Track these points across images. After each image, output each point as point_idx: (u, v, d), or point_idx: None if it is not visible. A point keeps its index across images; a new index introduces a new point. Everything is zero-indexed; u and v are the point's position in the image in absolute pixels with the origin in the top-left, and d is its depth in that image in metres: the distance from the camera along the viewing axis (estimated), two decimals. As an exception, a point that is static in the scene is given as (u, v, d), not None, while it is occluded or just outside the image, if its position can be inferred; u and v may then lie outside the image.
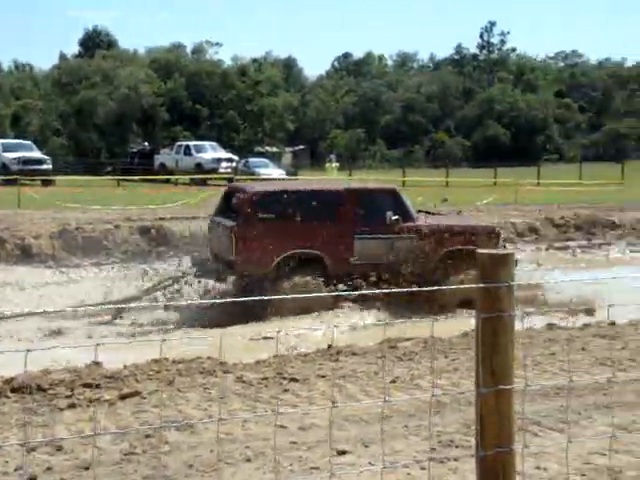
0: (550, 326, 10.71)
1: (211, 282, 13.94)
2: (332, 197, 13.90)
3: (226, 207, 14.44)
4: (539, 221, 25.86)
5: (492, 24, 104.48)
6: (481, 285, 3.10)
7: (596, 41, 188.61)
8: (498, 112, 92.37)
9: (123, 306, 12.75)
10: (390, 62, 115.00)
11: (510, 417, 3.14)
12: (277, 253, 13.06)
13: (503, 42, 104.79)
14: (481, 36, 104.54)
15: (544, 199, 32.24)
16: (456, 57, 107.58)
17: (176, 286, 14.06)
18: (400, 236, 13.61)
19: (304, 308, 12.55)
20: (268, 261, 12.97)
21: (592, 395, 7.07)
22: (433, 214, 15.61)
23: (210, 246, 14.59)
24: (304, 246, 13.22)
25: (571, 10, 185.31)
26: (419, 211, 15.21)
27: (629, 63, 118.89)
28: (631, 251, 23.27)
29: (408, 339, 9.71)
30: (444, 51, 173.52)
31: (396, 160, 79.76)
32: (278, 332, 10.91)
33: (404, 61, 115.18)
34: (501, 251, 3.16)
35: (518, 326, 9.47)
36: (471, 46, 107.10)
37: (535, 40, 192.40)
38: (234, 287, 13.62)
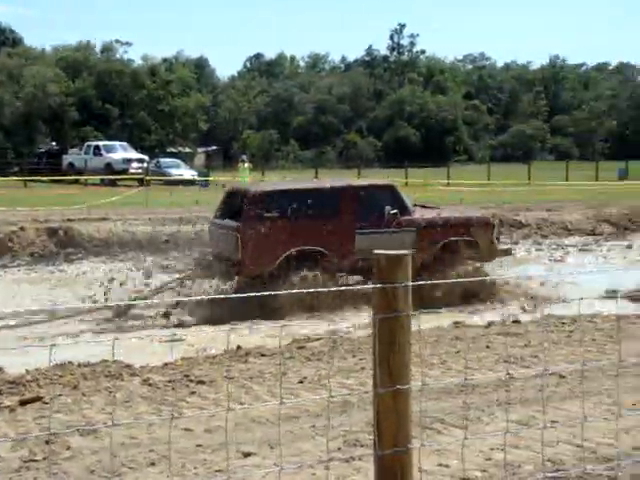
0: (457, 324, 10.88)
1: (215, 282, 14.08)
2: (332, 194, 14.12)
3: (227, 209, 14.63)
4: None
5: (402, 26, 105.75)
6: (378, 286, 3.13)
7: (503, 44, 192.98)
8: (409, 113, 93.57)
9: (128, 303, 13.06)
10: (302, 63, 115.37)
11: (407, 416, 3.17)
12: (281, 251, 13.23)
13: (413, 44, 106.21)
14: (391, 38, 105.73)
15: (454, 199, 32.76)
16: (367, 59, 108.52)
17: (181, 287, 14.22)
18: (399, 229, 13.95)
19: (308, 305, 12.60)
20: (272, 259, 13.12)
21: (494, 392, 7.21)
22: (429, 207, 15.93)
23: (213, 248, 14.76)
24: (307, 243, 13.40)
25: (479, 13, 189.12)
26: (415, 205, 15.45)
27: (535, 66, 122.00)
28: (536, 250, 23.85)
29: (317, 339, 9.75)
30: (355, 52, 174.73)
31: (309, 161, 79.98)
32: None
33: (315, 62, 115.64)
34: (398, 252, 3.18)
35: (426, 325, 9.60)
36: (382, 48, 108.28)
37: (444, 42, 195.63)
38: (239, 286, 13.70)
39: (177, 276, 14.99)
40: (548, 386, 7.40)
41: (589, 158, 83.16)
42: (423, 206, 15.93)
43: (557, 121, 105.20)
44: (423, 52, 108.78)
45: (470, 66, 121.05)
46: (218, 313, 12.41)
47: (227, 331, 10.46)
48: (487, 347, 9.12)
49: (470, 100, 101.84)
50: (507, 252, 15.59)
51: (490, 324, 10.81)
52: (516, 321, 10.86)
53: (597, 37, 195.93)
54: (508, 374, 7.66)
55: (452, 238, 14.19)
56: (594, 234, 26.00)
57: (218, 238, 14.41)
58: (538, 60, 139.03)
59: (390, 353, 3.11)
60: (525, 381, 7.56)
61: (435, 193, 34.65)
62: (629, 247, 23.85)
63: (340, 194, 14.09)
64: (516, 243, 24.71)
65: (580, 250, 23.65)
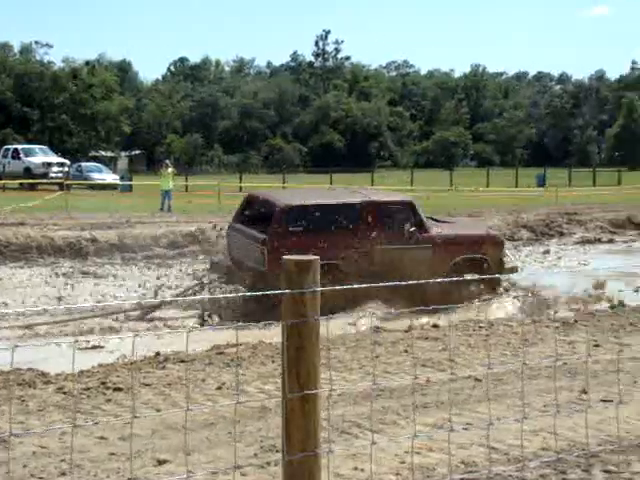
0: (377, 329, 10.95)
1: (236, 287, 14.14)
2: (354, 209, 14.46)
3: (248, 215, 15.08)
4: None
5: (327, 32, 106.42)
6: (286, 291, 3.13)
7: (426, 52, 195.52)
8: (334, 119, 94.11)
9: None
10: (227, 68, 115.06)
11: (316, 421, 3.18)
12: None
13: (337, 50, 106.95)
14: (316, 44, 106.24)
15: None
16: (292, 64, 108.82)
17: (204, 292, 14.63)
18: (416, 246, 14.33)
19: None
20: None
21: (411, 396, 7.27)
22: (440, 221, 16.27)
23: (231, 252, 15.10)
24: (329, 257, 13.28)
25: (402, 21, 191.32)
26: (428, 218, 15.71)
27: (457, 74, 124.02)
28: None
29: (237, 345, 9.70)
30: (281, 58, 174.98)
31: (234, 165, 79.76)
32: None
33: (241, 67, 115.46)
34: (306, 257, 3.19)
35: (349, 329, 9.64)
36: (307, 54, 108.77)
37: (368, 49, 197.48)
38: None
39: (196, 281, 15.36)
40: (464, 389, 7.51)
41: (510, 165, 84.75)
42: (434, 219, 16.23)
43: (479, 128, 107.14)
44: (348, 58, 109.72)
45: (394, 73, 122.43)
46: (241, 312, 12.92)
47: (151, 334, 10.34)
48: (405, 351, 9.20)
49: (394, 107, 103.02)
50: (514, 270, 15.81)
51: (410, 328, 10.90)
52: (435, 325, 10.98)
53: (516, 47, 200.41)
54: (430, 378, 7.76)
55: (465, 256, 14.62)
56: (513, 239, 26.46)
57: (240, 246, 14.65)
58: (460, 68, 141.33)
59: (299, 358, 3.11)
60: (441, 385, 7.65)
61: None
62: (546, 252, 24.36)
63: (363, 209, 14.44)
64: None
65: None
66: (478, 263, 14.69)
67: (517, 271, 16.13)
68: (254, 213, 15.05)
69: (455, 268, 14.29)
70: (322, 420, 6.56)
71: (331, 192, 18.28)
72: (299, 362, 3.13)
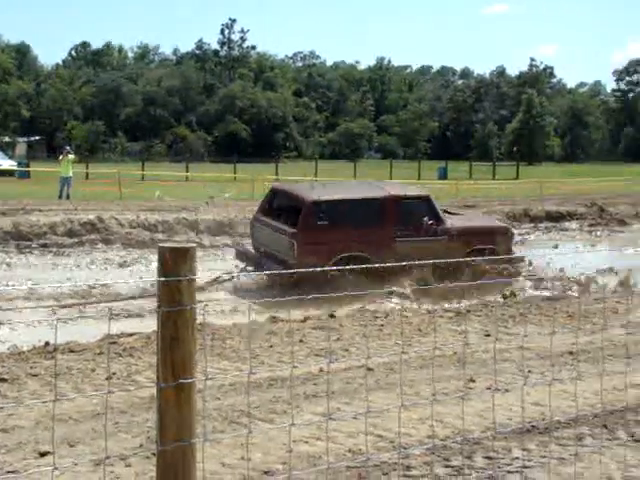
0: (273, 319, 10.93)
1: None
2: (377, 204, 15.18)
3: (275, 207, 15.82)
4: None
5: (232, 21, 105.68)
6: (161, 279, 3.08)
7: (332, 43, 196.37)
8: (239, 108, 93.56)
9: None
10: (130, 54, 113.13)
11: (191, 411, 3.13)
12: (331, 256, 14.02)
13: (243, 39, 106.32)
14: (222, 32, 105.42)
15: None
16: (197, 52, 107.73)
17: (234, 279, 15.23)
18: (434, 238, 15.01)
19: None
20: (324, 263, 13.52)
21: (303, 385, 7.30)
22: (452, 213, 16.97)
23: (257, 242, 15.75)
24: (353, 249, 14.32)
25: (309, 12, 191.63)
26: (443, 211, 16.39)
27: (362, 66, 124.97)
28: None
29: (131, 334, 9.56)
30: (187, 45, 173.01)
31: (137, 153, 78.52)
32: None
33: (145, 53, 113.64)
34: (182, 245, 3.14)
35: (244, 319, 9.57)
36: (213, 42, 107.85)
37: (274, 39, 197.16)
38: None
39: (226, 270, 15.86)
40: (355, 378, 7.57)
41: (413, 157, 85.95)
42: (448, 212, 16.87)
43: (383, 121, 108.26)
44: (254, 48, 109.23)
45: (300, 64, 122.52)
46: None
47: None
48: (300, 341, 9.23)
49: (300, 97, 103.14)
50: (521, 259, 16.51)
51: (306, 318, 10.94)
52: (331, 315, 11.03)
53: (420, 41, 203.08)
54: (323, 367, 7.79)
55: (478, 247, 15.19)
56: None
57: (269, 237, 15.22)
58: (365, 61, 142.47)
59: (173, 347, 3.06)
60: (334, 374, 7.70)
61: (265, 189, 34.72)
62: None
63: (386, 203, 15.16)
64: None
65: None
66: (490, 253, 15.27)
67: (524, 260, 16.76)
68: (280, 206, 15.73)
69: (470, 256, 14.65)
70: (213, 410, 6.54)
71: (352, 186, 18.98)
72: (174, 351, 3.08)
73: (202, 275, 14.47)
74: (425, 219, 15.13)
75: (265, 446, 5.64)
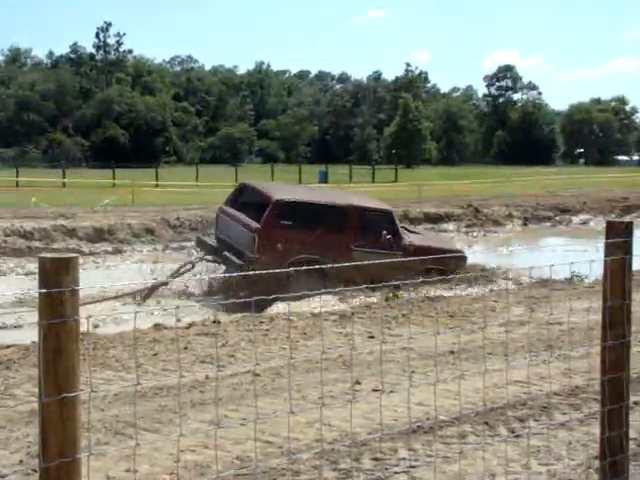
0: (157, 326, 10.76)
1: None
2: (340, 211, 15.68)
3: (241, 201, 16.21)
4: (155, 222, 26.02)
5: (108, 24, 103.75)
6: (42, 290, 2.98)
7: (210, 47, 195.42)
8: (117, 113, 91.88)
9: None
10: (1, 57, 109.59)
11: (76, 425, 3.04)
12: (289, 256, 14.46)
13: (120, 43, 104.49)
14: (97, 36, 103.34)
15: (162, 200, 32.62)
16: (72, 56, 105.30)
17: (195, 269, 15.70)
18: (390, 252, 15.45)
19: None
20: (282, 262, 13.91)
21: (189, 393, 7.21)
22: (411, 231, 17.80)
23: (218, 233, 16.26)
24: (312, 252, 14.72)
25: (185, 16, 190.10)
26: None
27: (241, 70, 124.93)
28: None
29: (8, 346, 9.25)
30: (61, 49, 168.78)
31: (11, 159, 75.98)
32: None
33: (16, 57, 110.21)
34: (64, 255, 3.04)
35: (128, 327, 9.34)
36: (88, 45, 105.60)
37: (151, 43, 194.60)
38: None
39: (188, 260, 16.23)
40: (242, 384, 7.53)
41: (294, 161, 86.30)
42: (407, 229, 17.68)
43: (263, 125, 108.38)
44: (130, 52, 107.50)
45: (178, 68, 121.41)
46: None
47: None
48: (185, 348, 9.12)
49: (179, 102, 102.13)
50: (460, 258, 16.91)
51: (191, 325, 10.82)
52: (216, 321, 10.94)
53: (298, 46, 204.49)
54: (209, 374, 7.71)
55: (429, 266, 15.17)
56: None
57: (232, 229, 15.60)
58: (244, 65, 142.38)
59: (57, 360, 2.96)
60: (221, 381, 7.64)
61: (144, 195, 34.29)
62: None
63: (348, 212, 15.68)
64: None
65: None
66: (440, 272, 15.22)
67: (464, 259, 17.17)
68: (247, 201, 16.07)
69: (421, 275, 14.85)
70: (97, 422, 6.37)
71: (319, 191, 19.38)
72: (57, 364, 2.98)
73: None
74: (384, 233, 15.74)
75: (152, 457, 5.54)
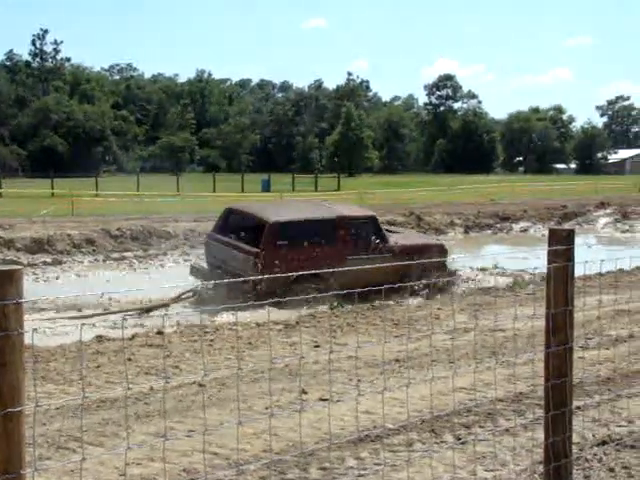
0: (99, 338, 10.62)
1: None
2: (330, 224, 16.16)
3: (231, 227, 16.53)
4: (96, 232, 25.69)
5: (44, 32, 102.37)
6: (-15, 304, 2.91)
7: (150, 56, 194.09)
8: (55, 122, 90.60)
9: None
10: None
11: (20, 441, 2.98)
12: (292, 272, 14.57)
13: (57, 51, 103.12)
14: (33, 43, 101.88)
15: (103, 210, 32.26)
16: (8, 63, 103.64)
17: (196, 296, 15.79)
18: (380, 255, 16.05)
19: None
20: (285, 280, 14.55)
21: (134, 405, 7.13)
22: (391, 231, 18.18)
23: (210, 260, 16.58)
24: (310, 267, 14.88)
25: (124, 25, 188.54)
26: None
27: (182, 79, 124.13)
28: (185, 260, 24.16)
29: None
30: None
31: (-55, 170, 74.40)
32: None
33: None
34: (8, 267, 2.98)
35: (74, 338, 9.15)
36: (24, 53, 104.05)
37: (90, 51, 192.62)
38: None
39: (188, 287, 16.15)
40: (187, 396, 7.46)
41: (236, 170, 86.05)
42: (388, 230, 18.09)
43: (205, 134, 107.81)
44: (68, 60, 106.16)
45: (117, 76, 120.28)
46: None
47: None
48: (129, 360, 9.01)
49: (118, 110, 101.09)
50: (454, 273, 17.59)
51: (134, 336, 10.70)
52: (159, 332, 10.84)
53: (240, 54, 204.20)
54: (154, 386, 7.64)
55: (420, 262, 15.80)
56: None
57: (226, 255, 15.88)
58: (185, 73, 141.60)
59: (0, 375, 2.90)
60: (166, 392, 7.57)
61: (84, 205, 33.86)
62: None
63: (338, 223, 16.18)
64: (165, 254, 24.85)
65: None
66: (427, 267, 16.12)
67: (456, 274, 17.78)
68: (236, 225, 16.53)
69: (409, 273, 15.53)
70: (39, 436, 6.26)
71: (303, 206, 19.20)
72: (1, 379, 2.92)
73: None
74: (373, 238, 16.37)
75: (97, 471, 5.46)
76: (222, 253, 16.16)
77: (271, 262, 15.08)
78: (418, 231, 27.88)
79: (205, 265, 16.89)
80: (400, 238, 17.56)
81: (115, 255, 24.40)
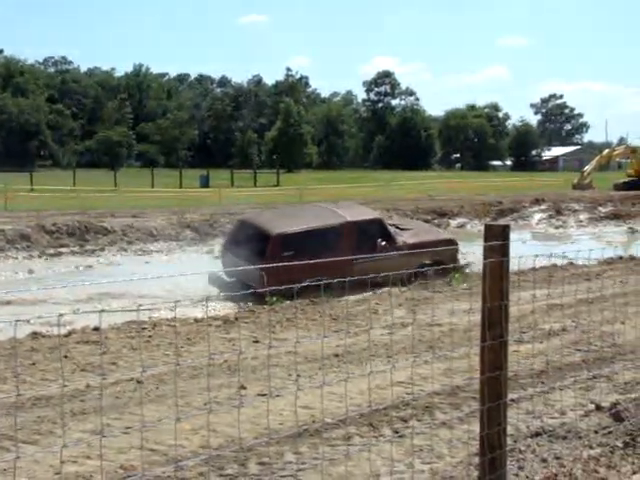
0: (35, 335, 10.46)
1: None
2: (336, 230, 16.48)
3: (243, 239, 16.66)
4: (31, 228, 25.26)
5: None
6: None
7: (86, 49, 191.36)
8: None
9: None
10: None
11: (-46, 439, 2.94)
12: (298, 282, 13.21)
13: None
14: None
15: (38, 205, 31.75)
16: None
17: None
18: (387, 256, 15.98)
19: None
20: (291, 289, 13.83)
21: (70, 403, 7.04)
22: (402, 229, 18.31)
23: (232, 273, 16.48)
24: (317, 275, 13.98)
25: (59, 16, 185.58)
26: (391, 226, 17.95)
27: (119, 73, 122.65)
28: (122, 256, 23.93)
29: None
30: None
31: None
32: None
33: None
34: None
35: (8, 335, 9.01)
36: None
37: (23, 43, 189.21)
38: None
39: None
40: (125, 392, 7.40)
41: (174, 165, 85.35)
42: (398, 227, 18.31)
43: (143, 128, 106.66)
44: (1, 52, 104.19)
45: (52, 69, 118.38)
46: None
47: None
48: (65, 357, 8.90)
49: (54, 104, 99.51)
50: (466, 266, 17.35)
51: (70, 333, 10.57)
52: (96, 328, 10.71)
53: (178, 48, 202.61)
54: (90, 383, 7.55)
55: (427, 260, 16.41)
56: (178, 240, 26.69)
57: (238, 266, 15.99)
58: (122, 67, 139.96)
59: None
60: (103, 389, 7.49)
61: (18, 200, 33.28)
62: (210, 252, 24.88)
63: (343, 229, 16.51)
64: (102, 250, 24.57)
65: (165, 255, 24.19)
66: (438, 262, 16.20)
67: (468, 268, 17.64)
68: (246, 236, 16.68)
69: (420, 268, 15.72)
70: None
71: (308, 213, 19.07)
72: None
73: None
74: (378, 240, 16.69)
75: (31, 469, 5.39)
76: (235, 264, 16.51)
77: (276, 274, 15.04)
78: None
79: (223, 275, 17.15)
80: (409, 236, 17.91)
81: (51, 251, 24.05)
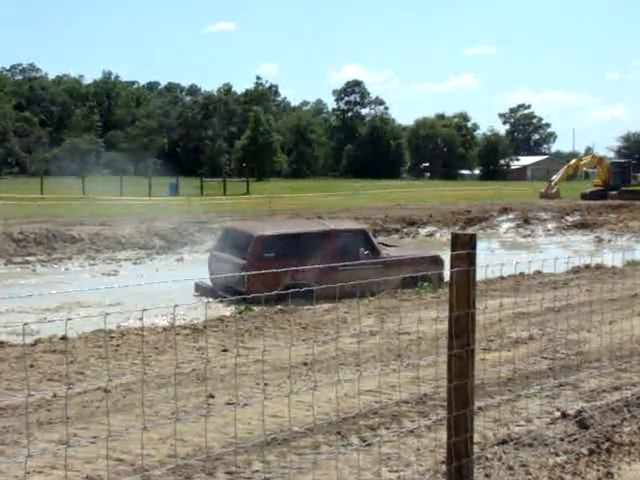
0: (1, 344, 10.36)
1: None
2: (318, 237, 16.89)
3: (228, 244, 17.35)
4: (-3, 235, 25.08)
5: None
6: None
7: (54, 56, 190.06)
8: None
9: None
10: None
11: None
12: (278, 285, 14.68)
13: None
14: None
15: (4, 213, 31.52)
16: None
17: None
18: (372, 266, 16.50)
19: None
20: (271, 291, 13.55)
21: (36, 412, 6.98)
22: (389, 245, 19.27)
23: (214, 275, 16.94)
24: (298, 279, 15.52)
25: (27, 24, 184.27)
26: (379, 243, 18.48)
27: (87, 80, 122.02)
28: (90, 264, 23.78)
29: None
30: None
31: None
32: None
33: None
34: None
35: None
36: None
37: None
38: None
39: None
40: (92, 402, 7.35)
41: (143, 173, 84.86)
42: (384, 244, 19.09)
43: (112, 136, 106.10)
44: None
45: (20, 77, 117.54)
46: None
47: None
48: (32, 366, 8.82)
49: (21, 111, 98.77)
50: (434, 277, 17.35)
51: (37, 342, 10.48)
52: (63, 337, 10.62)
53: (147, 56, 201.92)
54: (57, 392, 7.49)
55: (411, 274, 16.34)
56: (147, 248, 26.59)
57: (223, 270, 16.67)
58: (90, 75, 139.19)
59: None
60: (69, 398, 7.43)
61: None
62: (179, 260, 24.80)
63: (325, 237, 16.92)
64: (70, 258, 24.41)
65: (134, 263, 24.07)
66: (422, 279, 16.49)
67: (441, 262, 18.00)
68: (232, 242, 17.26)
69: (404, 283, 15.77)
70: None
71: (295, 223, 20.33)
72: None
73: None
74: (361, 249, 16.97)
75: (-6, 481, 5.33)
76: (220, 269, 16.99)
77: (261, 276, 15.26)
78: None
79: (209, 282, 17.34)
80: (394, 251, 18.40)
81: (17, 259, 23.86)
